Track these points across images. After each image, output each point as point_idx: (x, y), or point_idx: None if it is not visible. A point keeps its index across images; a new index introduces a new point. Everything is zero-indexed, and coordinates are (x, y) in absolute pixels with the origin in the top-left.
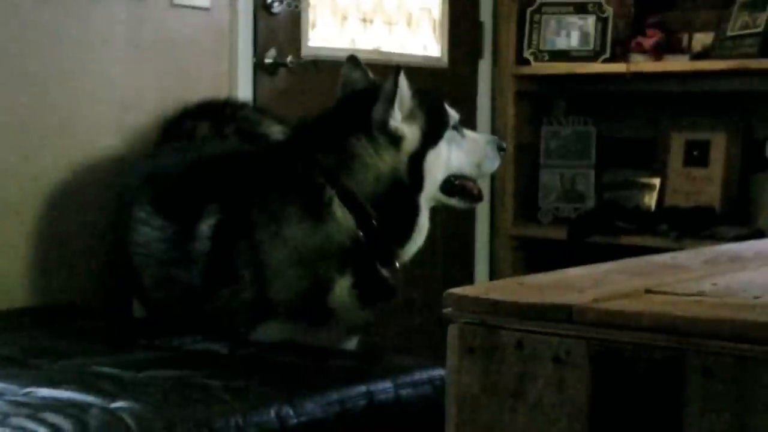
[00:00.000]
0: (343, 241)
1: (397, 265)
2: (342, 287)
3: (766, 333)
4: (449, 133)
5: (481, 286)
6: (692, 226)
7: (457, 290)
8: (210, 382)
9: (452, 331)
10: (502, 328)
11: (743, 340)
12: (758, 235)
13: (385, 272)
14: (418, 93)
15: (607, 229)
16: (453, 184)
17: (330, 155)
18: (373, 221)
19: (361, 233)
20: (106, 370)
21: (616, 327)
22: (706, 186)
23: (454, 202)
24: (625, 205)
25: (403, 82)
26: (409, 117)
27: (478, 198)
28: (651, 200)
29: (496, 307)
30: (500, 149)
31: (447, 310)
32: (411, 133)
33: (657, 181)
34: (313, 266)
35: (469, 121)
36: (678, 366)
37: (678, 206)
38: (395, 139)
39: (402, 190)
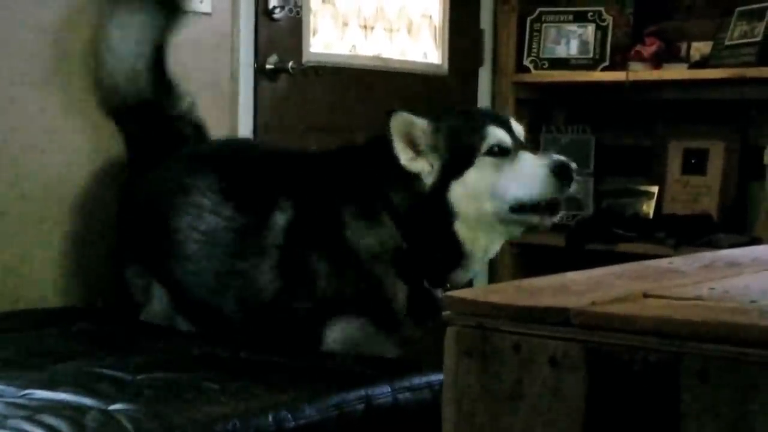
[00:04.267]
0: (398, 245)
1: (449, 287)
2: (402, 295)
3: (762, 336)
4: (484, 160)
5: (479, 289)
6: (690, 233)
7: (455, 293)
8: (208, 385)
9: (449, 333)
10: (499, 331)
11: (739, 343)
12: (755, 242)
13: (435, 292)
14: (443, 120)
15: (605, 236)
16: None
17: (381, 172)
18: (410, 241)
19: (406, 245)
20: (105, 372)
21: (613, 330)
22: (704, 194)
23: (534, 220)
24: (623, 212)
25: (397, 123)
26: (428, 151)
27: (552, 211)
28: (649, 208)
29: (493, 310)
30: (559, 172)
31: (445, 313)
32: (426, 168)
33: (655, 189)
34: (379, 266)
35: None
36: (674, 369)
37: (676, 214)
38: (413, 175)
39: (431, 220)
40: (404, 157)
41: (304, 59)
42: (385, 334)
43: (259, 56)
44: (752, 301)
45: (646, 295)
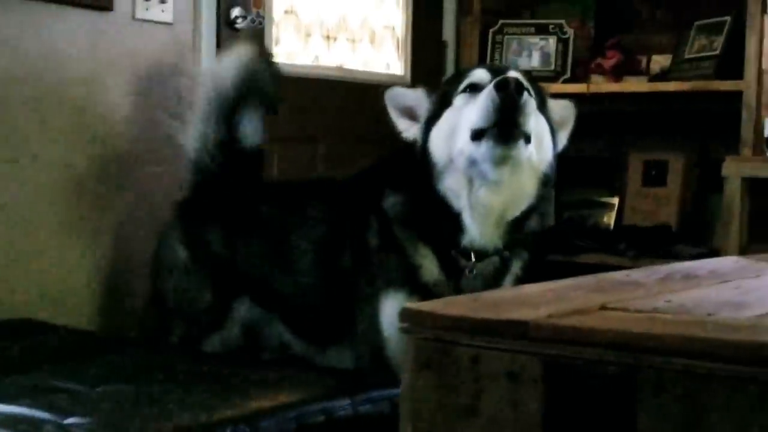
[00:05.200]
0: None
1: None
2: (427, 265)
3: (717, 349)
4: (458, 98)
5: (437, 302)
6: (650, 245)
7: (413, 306)
8: (167, 398)
9: (407, 346)
10: (457, 343)
11: (695, 356)
12: (715, 254)
13: (461, 261)
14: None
15: (566, 247)
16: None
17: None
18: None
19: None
20: (62, 385)
21: (570, 343)
22: (664, 205)
23: (484, 148)
24: (584, 223)
25: (390, 97)
26: (415, 121)
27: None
28: (610, 219)
29: (451, 322)
30: (499, 84)
31: (403, 326)
32: (417, 128)
33: (615, 201)
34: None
35: None
36: (630, 382)
37: (636, 225)
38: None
39: (422, 177)
40: (401, 127)
41: None
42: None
43: None
44: (708, 314)
45: (603, 308)
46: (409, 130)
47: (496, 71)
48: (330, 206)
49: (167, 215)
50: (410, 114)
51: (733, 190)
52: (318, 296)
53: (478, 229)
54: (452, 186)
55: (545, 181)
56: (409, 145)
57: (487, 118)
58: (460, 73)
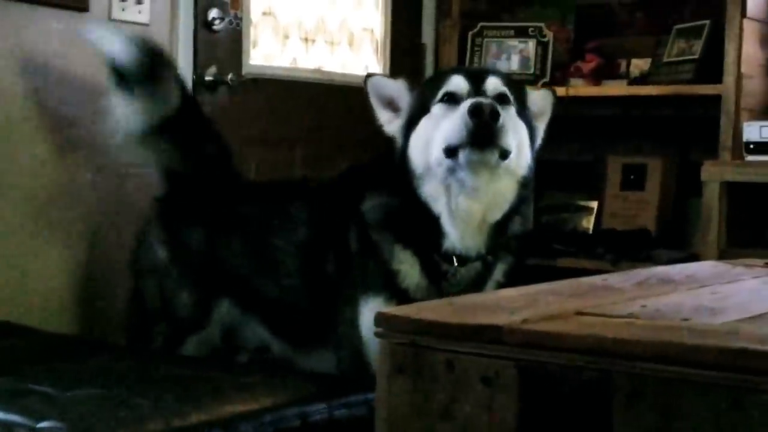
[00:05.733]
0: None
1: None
2: (406, 269)
3: (692, 355)
4: (436, 107)
5: (412, 306)
6: (628, 249)
7: (388, 310)
8: (140, 402)
9: (382, 350)
10: (431, 348)
11: (669, 362)
12: (693, 258)
13: (443, 266)
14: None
15: (544, 251)
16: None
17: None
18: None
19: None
20: (35, 387)
21: (545, 348)
22: (643, 209)
23: (462, 158)
24: (562, 227)
25: (372, 85)
26: (397, 114)
27: (468, 173)
28: (588, 223)
29: (425, 327)
30: (472, 110)
31: (377, 330)
32: (397, 126)
33: (594, 204)
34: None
35: None
36: (605, 387)
37: (615, 229)
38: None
39: (401, 179)
40: (382, 118)
41: (244, 71)
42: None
43: (198, 68)
44: (684, 319)
45: (579, 313)
46: (390, 124)
47: (473, 77)
48: (312, 208)
49: (146, 215)
50: (391, 104)
51: (712, 194)
52: (299, 298)
53: (459, 235)
54: (431, 192)
55: (525, 184)
56: (390, 148)
57: (460, 139)
58: (439, 77)
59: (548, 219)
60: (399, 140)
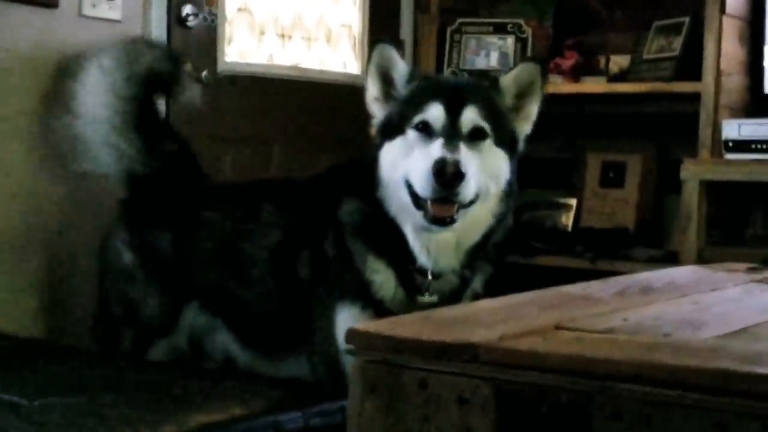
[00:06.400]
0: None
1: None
2: (381, 280)
3: (675, 376)
4: (410, 133)
5: (385, 322)
6: (607, 247)
7: (360, 326)
8: (110, 412)
9: (354, 368)
10: (405, 366)
11: (651, 383)
12: (671, 257)
13: (417, 278)
14: (422, 75)
15: (524, 249)
16: (417, 196)
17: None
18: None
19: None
20: (5, 397)
21: (522, 368)
22: (622, 207)
23: (419, 218)
24: (541, 225)
25: (379, 54)
26: (395, 97)
27: (433, 219)
28: (567, 220)
29: (398, 344)
30: (436, 172)
31: (349, 347)
32: (382, 115)
33: (573, 202)
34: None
35: None
36: (585, 409)
37: (593, 227)
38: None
39: (369, 180)
40: (371, 92)
41: (219, 69)
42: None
43: None
44: (665, 335)
45: (557, 327)
46: (374, 103)
47: (452, 107)
48: (285, 210)
49: (112, 217)
50: (387, 80)
51: (691, 192)
52: (270, 303)
53: (432, 258)
54: (400, 213)
55: (506, 198)
56: (369, 151)
57: (424, 193)
58: (423, 93)
59: (527, 216)
60: (375, 137)
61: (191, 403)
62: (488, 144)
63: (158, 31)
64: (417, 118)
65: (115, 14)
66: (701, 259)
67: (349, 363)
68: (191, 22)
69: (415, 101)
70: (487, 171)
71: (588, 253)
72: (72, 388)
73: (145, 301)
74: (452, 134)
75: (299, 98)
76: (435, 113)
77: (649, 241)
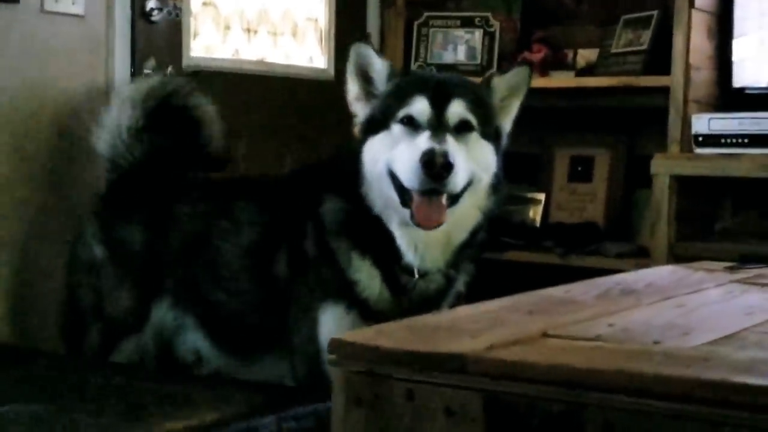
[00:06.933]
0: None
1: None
2: (365, 280)
3: (667, 387)
4: (395, 127)
5: (369, 331)
6: (577, 242)
7: (343, 336)
8: (79, 418)
9: (337, 379)
10: (391, 378)
11: (643, 394)
12: (642, 251)
13: (402, 278)
14: (401, 72)
15: (493, 244)
16: (403, 191)
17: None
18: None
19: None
20: None
21: (512, 378)
22: (591, 202)
23: (415, 199)
24: (510, 220)
25: (357, 53)
26: (376, 95)
27: (417, 222)
28: (536, 215)
29: (384, 355)
30: (425, 163)
31: (331, 358)
32: (364, 113)
33: (542, 197)
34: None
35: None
36: (576, 420)
37: (563, 222)
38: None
39: (352, 175)
40: (352, 91)
41: (184, 64)
42: (368, 321)
43: (136, 61)
44: (655, 342)
45: (544, 335)
46: (355, 102)
47: (437, 101)
48: (263, 207)
49: (82, 215)
50: (366, 79)
51: (661, 188)
52: (244, 303)
53: (419, 256)
54: (385, 210)
55: (493, 193)
56: (350, 147)
57: (411, 185)
58: (408, 87)
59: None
60: (358, 134)
61: (162, 408)
62: (475, 136)
63: (122, 26)
64: (402, 112)
65: (78, 9)
66: (672, 254)
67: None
68: (155, 16)
69: (399, 96)
70: (474, 162)
71: (558, 248)
72: (38, 393)
73: (114, 296)
74: (439, 126)
75: (265, 93)
76: (420, 107)
77: (619, 236)
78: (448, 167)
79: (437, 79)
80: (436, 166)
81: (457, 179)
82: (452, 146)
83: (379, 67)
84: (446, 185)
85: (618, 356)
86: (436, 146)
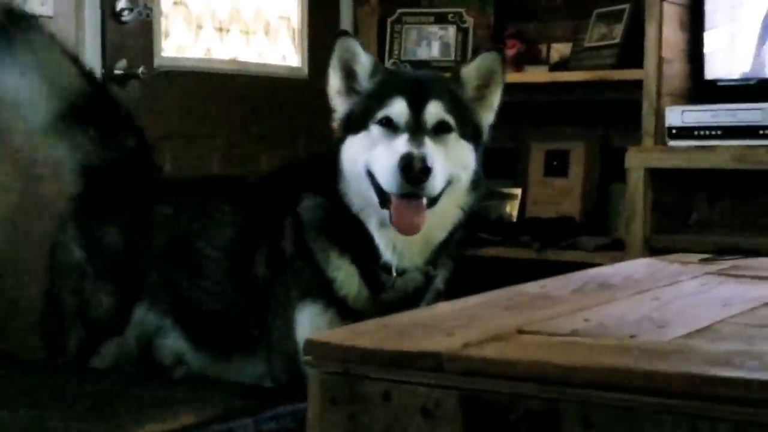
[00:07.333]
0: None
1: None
2: (343, 277)
3: (645, 381)
4: (374, 128)
5: (344, 331)
6: (554, 236)
7: (318, 337)
8: (55, 424)
9: (313, 380)
10: (367, 378)
11: (619, 389)
12: (618, 244)
13: (382, 276)
14: (385, 69)
15: (470, 240)
16: (382, 192)
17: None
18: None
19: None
20: None
21: (488, 376)
22: (566, 196)
23: (393, 201)
24: (487, 216)
25: (342, 47)
26: (358, 91)
27: (396, 226)
28: (513, 210)
29: (360, 355)
30: (403, 167)
31: (307, 359)
32: (343, 110)
33: (518, 192)
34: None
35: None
36: (555, 417)
37: (539, 217)
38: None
39: (330, 174)
40: (333, 85)
41: (156, 64)
42: (346, 320)
43: (107, 62)
44: (631, 336)
45: (520, 331)
46: (336, 96)
47: (415, 102)
48: (241, 207)
49: (61, 214)
50: (349, 74)
51: (636, 180)
52: (223, 303)
53: (396, 255)
54: (364, 208)
55: (473, 190)
56: (328, 145)
57: (389, 189)
58: (385, 89)
59: None
60: (338, 131)
61: (140, 412)
62: (453, 137)
63: (92, 26)
64: (380, 114)
65: (47, 10)
66: (648, 247)
67: None
68: (126, 16)
69: (378, 96)
70: (453, 164)
71: (535, 243)
72: (15, 399)
73: (95, 298)
74: (417, 129)
75: (238, 92)
76: (398, 109)
77: (595, 230)
78: (426, 171)
79: (415, 79)
80: (414, 171)
81: (436, 182)
82: (430, 149)
83: (363, 61)
84: (424, 189)
85: (594, 351)
86: (414, 150)
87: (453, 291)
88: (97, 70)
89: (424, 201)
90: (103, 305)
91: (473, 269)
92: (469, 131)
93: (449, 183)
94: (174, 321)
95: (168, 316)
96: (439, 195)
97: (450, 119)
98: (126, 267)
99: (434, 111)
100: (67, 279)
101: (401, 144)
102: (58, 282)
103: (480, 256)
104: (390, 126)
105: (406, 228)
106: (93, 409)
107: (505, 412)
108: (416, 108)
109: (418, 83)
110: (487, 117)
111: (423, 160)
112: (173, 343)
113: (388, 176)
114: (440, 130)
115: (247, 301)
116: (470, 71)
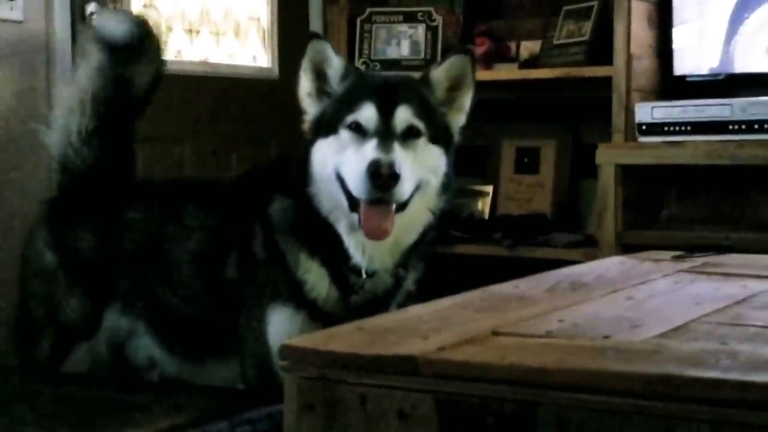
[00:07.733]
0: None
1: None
2: (313, 280)
3: (619, 383)
4: (343, 132)
5: (319, 335)
6: (525, 233)
7: (294, 342)
8: (27, 430)
9: (289, 386)
10: (343, 382)
11: (594, 391)
12: (590, 241)
13: (344, 268)
14: (356, 72)
15: (442, 238)
16: (351, 196)
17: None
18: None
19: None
20: None
21: (463, 379)
22: (538, 192)
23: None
24: (459, 213)
25: (314, 50)
26: (329, 94)
27: (365, 230)
28: (484, 207)
29: (335, 359)
30: (371, 173)
31: (282, 364)
32: (314, 112)
33: (489, 189)
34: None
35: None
36: (531, 420)
37: (511, 214)
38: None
39: (299, 176)
40: (304, 87)
41: None
42: (316, 324)
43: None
44: (605, 337)
45: (495, 333)
46: (306, 98)
47: (384, 107)
48: (212, 210)
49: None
50: (320, 76)
51: (607, 177)
52: (195, 306)
53: (366, 257)
54: (333, 211)
55: (443, 193)
56: (298, 147)
57: (358, 194)
58: (356, 93)
59: None
60: (308, 133)
61: (114, 417)
62: (423, 142)
63: (62, 30)
64: (350, 118)
65: (17, 15)
66: (619, 243)
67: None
68: None
69: (348, 101)
70: (422, 168)
71: (506, 240)
72: None
73: (66, 302)
74: (386, 134)
75: (209, 94)
76: (367, 114)
77: (567, 226)
78: (394, 177)
79: (385, 83)
80: (382, 177)
81: (404, 188)
82: (399, 155)
83: (335, 64)
84: (393, 194)
85: (568, 353)
86: (383, 156)
87: (425, 289)
88: (68, 74)
89: (393, 206)
90: (74, 309)
91: (445, 267)
92: (440, 134)
93: (419, 187)
94: (146, 324)
95: (140, 319)
96: (409, 199)
97: (419, 124)
98: (97, 271)
99: (403, 116)
100: (38, 283)
101: (370, 150)
102: (30, 286)
103: (452, 254)
104: (359, 131)
105: (375, 233)
106: (68, 414)
107: (481, 415)
108: (385, 113)
109: (388, 88)
110: (458, 119)
111: (391, 166)
112: (146, 346)
113: (357, 182)
114: (409, 135)
115: (218, 303)
116: (440, 74)
